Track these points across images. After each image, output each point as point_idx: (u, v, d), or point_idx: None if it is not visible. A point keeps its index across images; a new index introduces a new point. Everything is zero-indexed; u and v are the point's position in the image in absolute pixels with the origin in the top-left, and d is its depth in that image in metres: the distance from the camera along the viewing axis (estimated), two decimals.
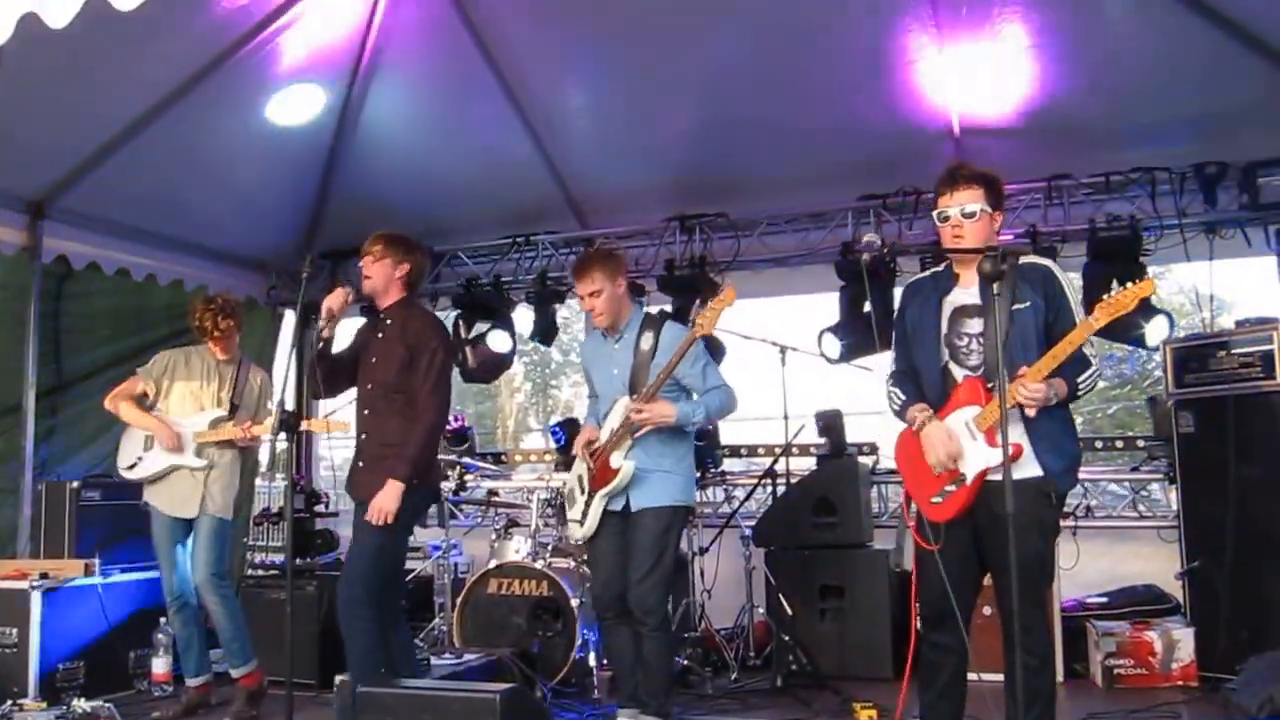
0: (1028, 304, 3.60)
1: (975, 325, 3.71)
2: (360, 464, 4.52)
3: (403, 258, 4.60)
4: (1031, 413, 3.52)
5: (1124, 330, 6.00)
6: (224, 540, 5.35)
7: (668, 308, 7.03)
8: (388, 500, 4.28)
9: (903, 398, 3.86)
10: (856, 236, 6.47)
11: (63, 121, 5.75)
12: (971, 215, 3.69)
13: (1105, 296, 3.48)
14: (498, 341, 7.69)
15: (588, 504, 4.65)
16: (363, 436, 4.53)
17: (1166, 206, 6.18)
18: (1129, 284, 3.47)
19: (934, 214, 3.79)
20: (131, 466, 5.42)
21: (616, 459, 4.54)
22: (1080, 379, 3.57)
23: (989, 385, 3.62)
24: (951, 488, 3.67)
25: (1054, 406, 3.60)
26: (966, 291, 3.76)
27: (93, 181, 6.28)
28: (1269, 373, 5.32)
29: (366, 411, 4.52)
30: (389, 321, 4.55)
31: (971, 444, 3.63)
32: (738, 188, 6.93)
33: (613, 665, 4.99)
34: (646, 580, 4.50)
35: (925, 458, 3.72)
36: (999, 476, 3.51)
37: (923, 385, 3.80)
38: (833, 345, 6.63)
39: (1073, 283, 3.80)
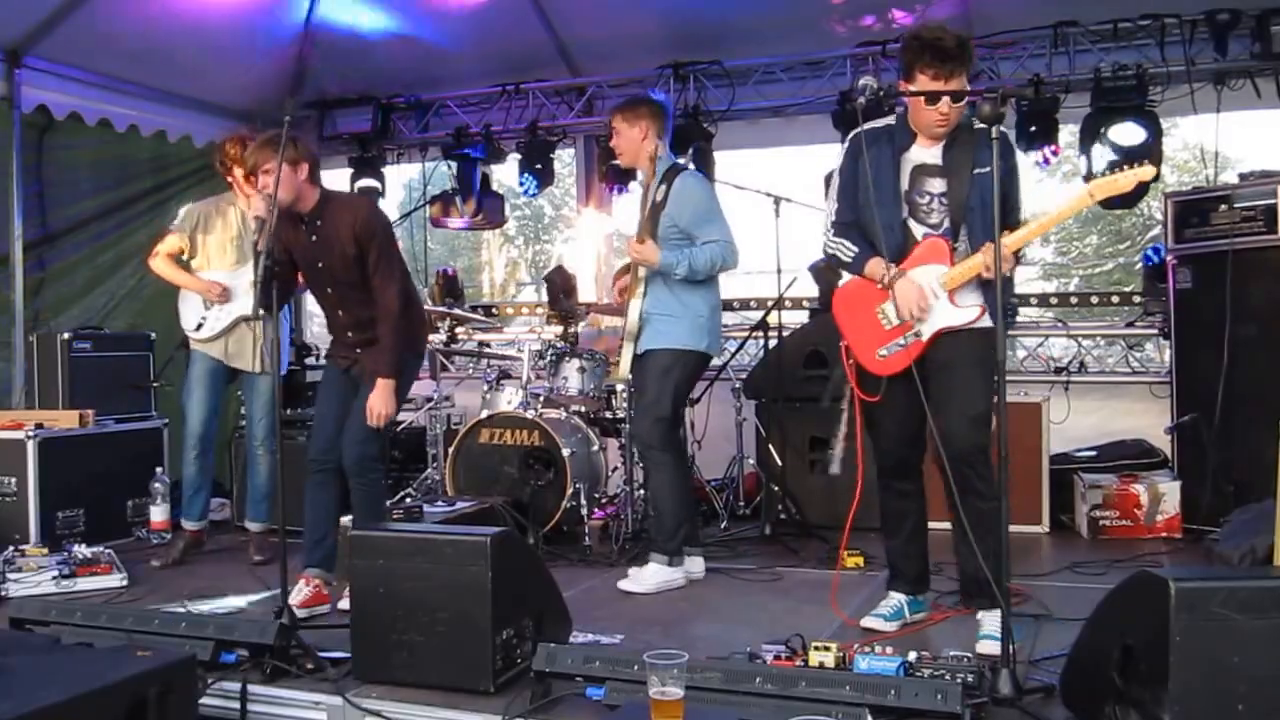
0: (988, 169, 3.44)
1: (937, 185, 3.69)
2: (350, 335, 4.48)
3: (298, 158, 4.16)
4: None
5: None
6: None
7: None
8: (382, 402, 4.30)
9: (854, 249, 3.79)
10: (854, 84, 6.32)
11: None
12: (960, 100, 3.59)
13: (1104, 174, 3.50)
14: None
15: (621, 349, 4.86)
16: (339, 314, 4.47)
17: (1175, 55, 6.00)
18: (1130, 167, 3.48)
19: (918, 88, 3.55)
20: (198, 327, 5.34)
21: (632, 307, 4.71)
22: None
23: (954, 247, 3.65)
24: (903, 342, 3.70)
25: None
26: (928, 151, 3.71)
27: (70, 27, 6.10)
28: (1270, 227, 5.22)
29: (340, 305, 4.45)
30: (319, 222, 4.28)
31: (934, 303, 3.66)
32: (733, 34, 6.74)
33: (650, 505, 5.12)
34: (642, 417, 4.73)
35: (885, 312, 3.73)
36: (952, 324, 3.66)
37: (879, 239, 3.70)
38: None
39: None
